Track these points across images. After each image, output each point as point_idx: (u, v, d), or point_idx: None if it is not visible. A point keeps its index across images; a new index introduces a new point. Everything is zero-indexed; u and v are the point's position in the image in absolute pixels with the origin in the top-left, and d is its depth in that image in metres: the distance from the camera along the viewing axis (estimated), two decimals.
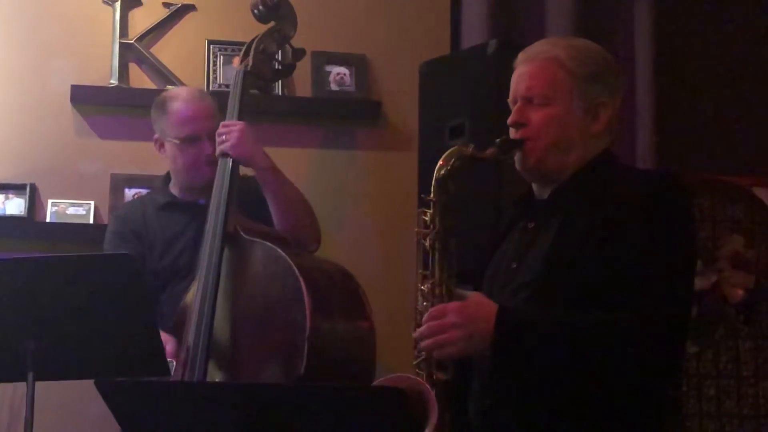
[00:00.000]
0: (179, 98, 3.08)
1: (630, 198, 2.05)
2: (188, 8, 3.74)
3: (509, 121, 2.19)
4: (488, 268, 2.27)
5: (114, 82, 3.63)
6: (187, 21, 3.73)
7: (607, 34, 3.88)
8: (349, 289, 2.72)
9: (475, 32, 3.73)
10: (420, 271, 2.14)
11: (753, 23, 4.15)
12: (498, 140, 2.16)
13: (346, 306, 2.70)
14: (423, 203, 2.15)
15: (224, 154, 2.88)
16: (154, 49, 3.69)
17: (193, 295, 2.78)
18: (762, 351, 3.91)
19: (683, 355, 2.09)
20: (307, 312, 2.53)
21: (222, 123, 2.92)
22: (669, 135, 3.90)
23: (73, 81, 3.61)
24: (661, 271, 2.01)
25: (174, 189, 3.11)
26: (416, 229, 2.16)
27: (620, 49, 3.84)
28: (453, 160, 2.14)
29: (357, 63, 3.80)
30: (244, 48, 3.02)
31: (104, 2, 3.68)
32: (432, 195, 2.14)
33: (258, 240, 2.73)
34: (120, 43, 3.65)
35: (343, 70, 3.77)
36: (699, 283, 3.68)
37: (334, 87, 3.77)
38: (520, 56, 2.23)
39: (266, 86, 3.05)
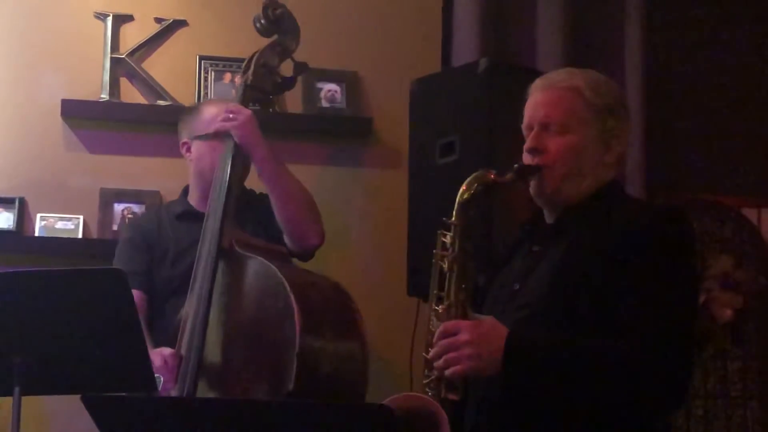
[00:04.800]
0: (214, 102, 3.19)
1: (636, 230, 2.08)
2: (180, 24, 3.74)
3: (526, 147, 2.21)
4: (491, 288, 2.29)
5: (105, 96, 3.62)
6: (179, 36, 3.74)
7: (597, 53, 3.90)
8: (341, 306, 2.72)
9: (466, 50, 3.74)
10: (435, 291, 2.16)
11: (742, 44, 4.18)
12: (516, 165, 2.19)
13: (338, 323, 2.69)
14: (443, 225, 2.16)
15: (228, 135, 2.89)
16: (145, 64, 3.69)
17: (187, 309, 2.77)
18: (750, 371, 3.91)
19: (689, 386, 2.11)
20: (297, 329, 2.52)
21: (231, 105, 2.95)
22: (658, 155, 3.92)
23: (64, 95, 3.60)
24: (664, 308, 2.03)
25: (192, 200, 3.12)
26: (435, 251, 2.18)
27: (610, 68, 3.86)
28: (476, 185, 2.17)
29: (348, 80, 3.81)
30: (245, 63, 3.03)
31: (96, 17, 3.68)
32: (453, 218, 2.15)
33: (252, 255, 2.72)
34: (111, 57, 3.64)
35: (334, 86, 3.78)
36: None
37: (324, 103, 3.78)
38: (538, 83, 2.26)
39: (267, 100, 3.06)
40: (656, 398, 2.04)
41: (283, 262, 2.74)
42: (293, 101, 3.78)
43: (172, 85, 3.65)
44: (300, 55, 3.76)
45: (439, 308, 2.13)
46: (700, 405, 3.86)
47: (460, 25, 3.82)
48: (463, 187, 2.17)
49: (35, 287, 2.37)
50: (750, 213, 4.07)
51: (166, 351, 2.70)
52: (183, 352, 2.69)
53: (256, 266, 2.69)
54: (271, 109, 3.14)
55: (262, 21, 2.99)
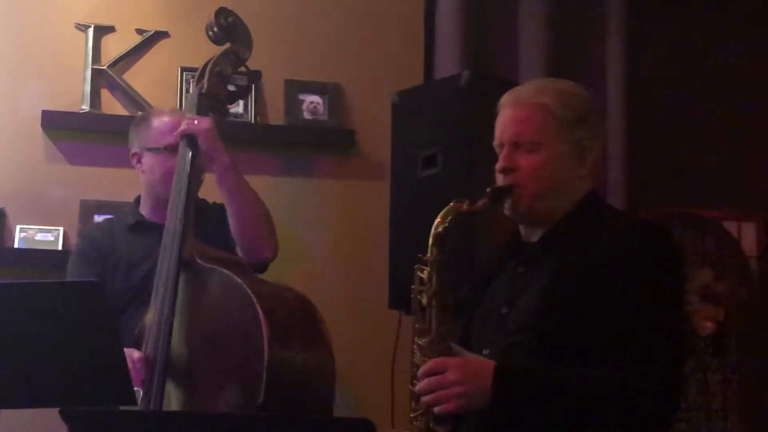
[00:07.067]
0: (163, 112, 3.12)
1: (621, 252, 2.07)
2: (161, 35, 3.73)
3: (498, 167, 2.19)
4: (477, 310, 2.27)
5: (85, 107, 3.61)
6: (160, 48, 3.73)
7: (579, 66, 3.91)
8: (307, 317, 2.69)
9: (448, 63, 3.75)
10: (417, 325, 2.14)
11: (723, 60, 4.20)
12: (488, 189, 2.16)
13: (305, 334, 2.66)
14: (420, 261, 2.14)
15: (190, 139, 2.84)
16: (126, 76, 3.68)
17: (148, 321, 2.73)
18: (731, 384, 3.93)
19: (680, 403, 2.11)
20: (265, 341, 2.49)
21: (189, 116, 2.89)
22: (640, 169, 3.93)
23: (45, 106, 3.59)
24: (654, 327, 2.03)
25: (144, 210, 3.08)
26: (413, 286, 2.15)
27: (592, 81, 3.87)
28: (450, 217, 2.13)
29: (330, 92, 3.81)
30: (199, 70, 2.99)
31: (77, 28, 3.67)
32: (429, 254, 2.13)
33: (215, 267, 2.68)
34: (92, 68, 3.63)
35: (316, 98, 3.78)
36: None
37: (307, 115, 3.77)
38: (506, 99, 2.23)
39: (222, 108, 3.02)
40: (647, 423, 2.03)
41: (246, 274, 2.70)
42: (275, 113, 3.78)
43: (153, 97, 3.64)
44: (283, 66, 3.78)
45: (422, 342, 2.12)
46: (681, 417, 3.87)
47: (442, 38, 3.82)
48: (438, 219, 2.14)
49: (13, 299, 2.35)
50: (730, 226, 4.10)
51: (135, 355, 2.66)
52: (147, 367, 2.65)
53: (219, 278, 2.66)
54: (225, 117, 3.08)
55: (215, 29, 2.96)
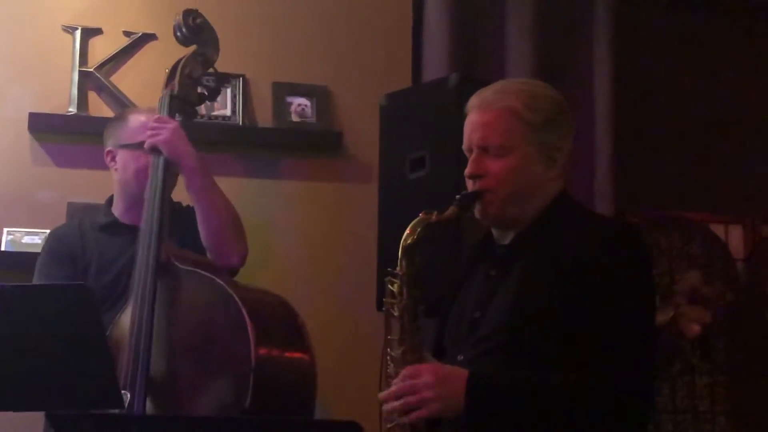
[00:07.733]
0: (139, 110, 3.11)
1: (589, 253, 2.06)
2: (149, 37, 3.72)
3: (466, 172, 2.18)
4: (451, 313, 2.27)
5: (73, 110, 3.60)
6: (148, 50, 3.72)
7: (566, 69, 3.92)
8: (289, 321, 2.68)
9: (436, 66, 3.75)
10: (389, 336, 2.14)
11: (710, 64, 4.22)
12: (457, 197, 2.15)
13: (288, 337, 2.65)
14: (391, 274, 2.14)
15: (155, 149, 2.82)
16: (113, 78, 3.67)
17: (123, 326, 2.70)
18: (718, 386, 3.94)
19: (652, 405, 2.12)
20: (251, 343, 2.48)
21: (156, 117, 2.88)
22: (627, 172, 3.94)
23: (31, 108, 3.57)
24: (624, 329, 2.03)
25: (116, 210, 3.05)
26: (385, 299, 2.15)
27: (579, 85, 3.88)
28: (419, 229, 2.13)
29: (318, 94, 3.81)
30: (168, 71, 2.97)
31: (64, 30, 3.66)
32: (399, 268, 2.13)
33: (194, 269, 2.67)
34: (79, 71, 3.62)
35: (304, 101, 3.77)
36: (656, 318, 3.71)
37: (295, 118, 3.77)
38: (473, 101, 2.21)
39: (191, 110, 3.00)
40: (619, 426, 2.04)
41: (226, 277, 2.69)
42: (263, 115, 3.77)
43: (140, 99, 3.62)
44: (271, 69, 3.77)
45: (395, 353, 2.12)
46: (668, 420, 3.87)
47: (430, 41, 3.83)
48: (408, 231, 2.13)
49: (0, 302, 2.34)
50: (717, 228, 4.11)
51: None
52: (128, 369, 2.62)
53: (200, 281, 2.64)
54: (194, 119, 3.07)
55: (183, 29, 2.95)
